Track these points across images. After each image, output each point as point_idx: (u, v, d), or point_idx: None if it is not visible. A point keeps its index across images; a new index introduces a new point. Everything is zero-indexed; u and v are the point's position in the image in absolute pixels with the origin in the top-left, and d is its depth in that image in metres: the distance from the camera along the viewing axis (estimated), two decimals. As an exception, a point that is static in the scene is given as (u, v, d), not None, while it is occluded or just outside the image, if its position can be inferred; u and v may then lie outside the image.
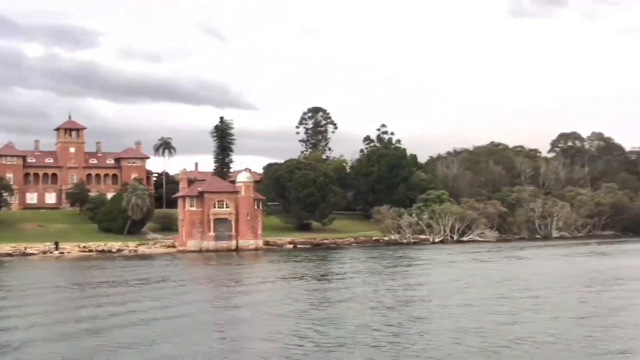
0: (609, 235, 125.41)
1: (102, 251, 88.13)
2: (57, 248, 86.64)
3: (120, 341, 24.56)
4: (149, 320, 29.81)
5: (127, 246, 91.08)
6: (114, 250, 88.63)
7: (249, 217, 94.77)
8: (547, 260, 72.38)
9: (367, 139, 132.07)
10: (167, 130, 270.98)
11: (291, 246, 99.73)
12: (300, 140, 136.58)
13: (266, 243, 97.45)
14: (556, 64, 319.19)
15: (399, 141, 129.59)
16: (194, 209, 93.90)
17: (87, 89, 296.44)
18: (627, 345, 22.14)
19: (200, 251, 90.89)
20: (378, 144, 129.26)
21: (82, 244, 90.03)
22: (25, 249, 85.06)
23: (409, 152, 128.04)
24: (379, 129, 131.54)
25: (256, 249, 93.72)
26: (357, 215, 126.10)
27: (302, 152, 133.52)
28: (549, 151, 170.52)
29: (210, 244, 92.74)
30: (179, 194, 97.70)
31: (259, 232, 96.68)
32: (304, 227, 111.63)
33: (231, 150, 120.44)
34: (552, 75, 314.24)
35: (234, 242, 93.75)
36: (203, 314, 32.78)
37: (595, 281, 46.09)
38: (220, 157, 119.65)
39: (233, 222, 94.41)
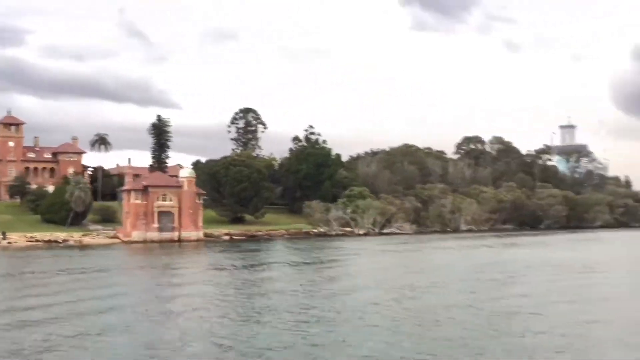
0: (510, 229, 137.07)
1: (49, 241, 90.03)
2: (4, 237, 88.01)
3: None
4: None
5: (72, 237, 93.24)
6: (59, 241, 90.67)
7: (191, 211, 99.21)
8: (473, 249, 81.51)
9: (296, 138, 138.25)
10: (92, 126, 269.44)
11: (228, 237, 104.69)
12: (231, 139, 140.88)
13: (205, 235, 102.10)
14: (458, 75, 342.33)
15: (325, 141, 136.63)
16: (139, 201, 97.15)
17: (13, 85, 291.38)
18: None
19: (144, 242, 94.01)
20: (306, 144, 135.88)
21: (29, 234, 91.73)
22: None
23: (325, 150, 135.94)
24: (306, 130, 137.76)
25: (197, 240, 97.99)
26: (284, 210, 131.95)
27: (232, 149, 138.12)
28: (454, 153, 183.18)
29: (154, 235, 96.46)
30: (125, 187, 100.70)
31: (200, 224, 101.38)
32: (238, 220, 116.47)
33: (168, 147, 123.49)
34: (456, 85, 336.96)
35: (176, 234, 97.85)
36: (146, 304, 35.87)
37: (534, 267, 55.16)
38: (157, 153, 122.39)
39: (176, 215, 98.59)
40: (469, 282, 43.47)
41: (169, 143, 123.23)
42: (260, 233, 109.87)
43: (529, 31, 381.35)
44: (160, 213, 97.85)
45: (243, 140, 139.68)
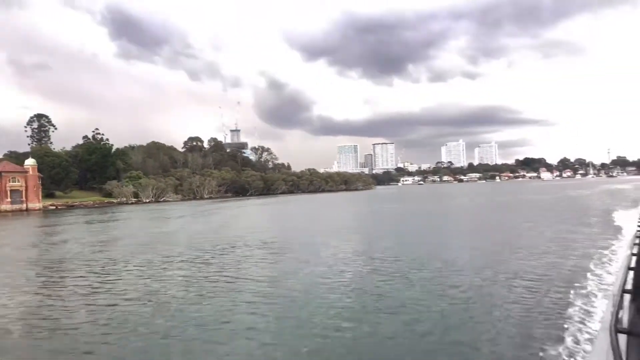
0: (230, 196, 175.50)
1: None
2: None
3: None
4: None
5: None
6: None
7: (34, 189, 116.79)
8: (234, 209, 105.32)
9: (86, 137, 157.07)
10: None
11: (54, 207, 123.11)
12: (28, 136, 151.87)
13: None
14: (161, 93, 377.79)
15: (107, 139, 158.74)
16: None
17: None
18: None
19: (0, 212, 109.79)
20: (93, 141, 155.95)
21: None
22: None
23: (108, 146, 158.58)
24: (93, 132, 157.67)
25: (39, 209, 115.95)
26: (78, 187, 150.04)
27: (29, 144, 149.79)
28: (182, 147, 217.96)
29: (8, 207, 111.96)
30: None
31: (40, 198, 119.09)
32: (51, 195, 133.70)
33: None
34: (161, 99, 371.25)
35: (24, 205, 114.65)
36: None
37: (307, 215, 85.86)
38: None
39: (23, 192, 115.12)
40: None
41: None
42: (76, 203, 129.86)
43: (205, 64, 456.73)
44: (12, 191, 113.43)
45: (37, 137, 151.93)
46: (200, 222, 60.28)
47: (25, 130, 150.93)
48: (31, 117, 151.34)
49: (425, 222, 50.13)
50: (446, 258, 24.82)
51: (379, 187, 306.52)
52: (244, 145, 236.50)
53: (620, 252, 23.45)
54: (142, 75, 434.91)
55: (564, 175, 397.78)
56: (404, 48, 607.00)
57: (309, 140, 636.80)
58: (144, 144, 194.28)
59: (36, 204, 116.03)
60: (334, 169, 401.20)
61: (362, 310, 15.51)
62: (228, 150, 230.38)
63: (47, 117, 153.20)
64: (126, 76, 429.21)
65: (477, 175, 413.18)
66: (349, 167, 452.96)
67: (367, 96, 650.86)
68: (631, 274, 5.23)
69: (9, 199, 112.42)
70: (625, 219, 40.29)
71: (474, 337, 12.71)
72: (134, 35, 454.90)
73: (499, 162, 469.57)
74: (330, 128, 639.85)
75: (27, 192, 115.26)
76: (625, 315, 4.39)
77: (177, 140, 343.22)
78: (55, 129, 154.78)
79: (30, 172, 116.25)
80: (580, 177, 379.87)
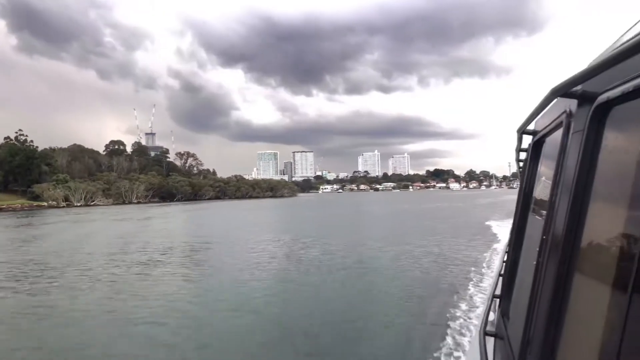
0: (158, 201, 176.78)
1: None
2: None
3: None
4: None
5: None
6: None
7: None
8: (181, 213, 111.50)
9: (8, 138, 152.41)
10: None
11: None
12: None
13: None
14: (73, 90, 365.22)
15: (32, 141, 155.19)
16: None
17: None
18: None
19: None
20: (17, 143, 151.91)
21: None
22: None
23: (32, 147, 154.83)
24: (16, 133, 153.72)
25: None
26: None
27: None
28: (104, 151, 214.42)
29: None
30: None
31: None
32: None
33: None
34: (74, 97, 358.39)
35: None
36: None
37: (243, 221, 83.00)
38: None
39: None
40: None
41: None
42: (3, 207, 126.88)
43: (117, 64, 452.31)
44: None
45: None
46: (166, 224, 65.76)
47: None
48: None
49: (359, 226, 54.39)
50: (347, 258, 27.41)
51: (300, 194, 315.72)
52: (165, 150, 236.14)
53: (496, 260, 24.09)
54: (47, 73, 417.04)
55: (471, 186, 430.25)
56: (321, 59, 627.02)
57: (227, 145, 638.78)
58: (64, 147, 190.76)
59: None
60: (254, 175, 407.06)
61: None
62: (152, 155, 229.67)
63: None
64: (29, 72, 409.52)
65: (392, 184, 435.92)
66: (269, 174, 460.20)
67: (286, 104, 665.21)
68: (501, 279, 5.20)
69: None
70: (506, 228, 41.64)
71: (346, 347, 12.29)
72: (37, 28, 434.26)
73: (412, 172, 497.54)
74: (248, 134, 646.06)
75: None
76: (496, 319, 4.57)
77: (89, 141, 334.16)
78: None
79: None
80: (485, 187, 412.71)
